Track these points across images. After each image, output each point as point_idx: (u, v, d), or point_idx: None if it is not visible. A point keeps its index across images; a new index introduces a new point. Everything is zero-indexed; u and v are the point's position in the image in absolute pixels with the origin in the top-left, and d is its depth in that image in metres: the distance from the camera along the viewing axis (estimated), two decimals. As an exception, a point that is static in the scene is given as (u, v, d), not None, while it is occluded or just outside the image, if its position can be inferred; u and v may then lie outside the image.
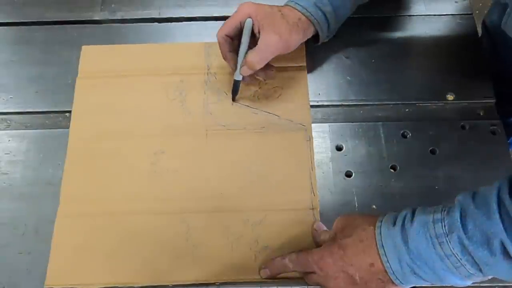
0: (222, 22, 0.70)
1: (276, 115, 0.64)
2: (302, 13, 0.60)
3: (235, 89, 0.64)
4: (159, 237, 0.57)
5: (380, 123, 0.64)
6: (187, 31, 0.72)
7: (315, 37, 0.64)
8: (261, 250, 0.56)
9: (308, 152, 0.62)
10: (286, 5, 0.62)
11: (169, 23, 0.73)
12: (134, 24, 0.73)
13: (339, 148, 0.63)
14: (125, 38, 0.71)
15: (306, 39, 0.63)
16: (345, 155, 0.63)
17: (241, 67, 0.60)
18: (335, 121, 0.65)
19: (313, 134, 0.63)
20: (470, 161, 0.61)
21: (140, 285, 0.55)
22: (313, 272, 0.52)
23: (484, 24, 0.80)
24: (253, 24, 0.59)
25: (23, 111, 0.66)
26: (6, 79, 0.68)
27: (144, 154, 0.62)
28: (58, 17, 0.73)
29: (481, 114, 0.65)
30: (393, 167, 0.62)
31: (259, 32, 0.59)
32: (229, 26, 0.60)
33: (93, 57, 0.69)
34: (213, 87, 0.66)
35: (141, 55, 0.69)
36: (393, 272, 0.47)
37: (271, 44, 0.59)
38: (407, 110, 0.66)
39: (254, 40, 0.60)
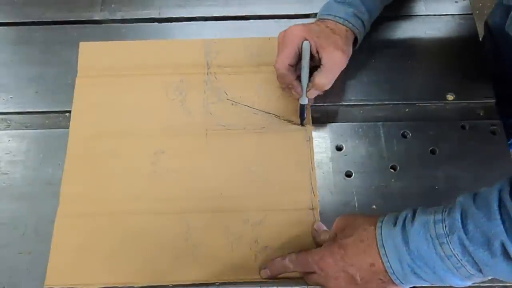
0: (222, 22, 0.71)
1: (276, 115, 0.64)
2: (345, 26, 0.61)
3: (302, 113, 0.62)
4: (159, 237, 0.57)
5: (380, 123, 0.64)
6: (187, 31, 0.72)
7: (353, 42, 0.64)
8: (261, 250, 0.56)
9: (308, 152, 0.62)
10: (322, 19, 0.62)
11: (169, 23, 0.73)
12: (134, 24, 0.73)
13: (339, 148, 0.63)
14: (125, 38, 0.71)
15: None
16: (345, 155, 0.63)
17: (308, 90, 0.59)
18: (335, 121, 0.65)
19: (313, 134, 0.63)
20: (470, 161, 0.61)
21: (140, 285, 0.55)
22: (314, 272, 0.52)
23: (486, 25, 0.80)
24: (311, 46, 0.59)
25: (23, 111, 0.66)
26: (6, 79, 0.68)
27: (144, 154, 0.62)
28: (58, 17, 0.73)
29: (481, 114, 0.65)
30: (393, 167, 0.62)
31: (317, 52, 0.59)
32: (289, 54, 0.59)
33: (92, 53, 0.69)
34: (213, 87, 0.66)
35: (140, 52, 0.69)
36: (393, 272, 0.47)
37: (338, 61, 0.59)
38: (407, 110, 0.66)
39: (312, 61, 0.60)
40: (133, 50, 0.69)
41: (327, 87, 0.60)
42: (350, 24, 0.61)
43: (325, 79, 0.59)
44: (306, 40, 0.59)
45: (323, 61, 0.59)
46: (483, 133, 0.63)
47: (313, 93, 0.60)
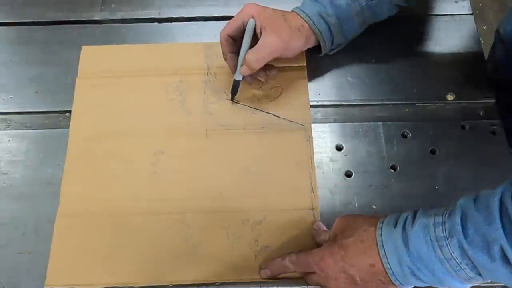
0: (222, 22, 0.71)
1: (276, 115, 0.64)
2: (305, 21, 0.61)
3: (234, 89, 0.64)
4: (159, 237, 0.57)
5: (380, 123, 0.64)
6: (187, 31, 0.72)
7: (319, 47, 0.64)
8: (261, 250, 0.56)
9: (308, 152, 0.62)
10: (292, 11, 0.63)
11: (169, 23, 0.73)
12: (134, 24, 0.73)
13: (339, 148, 0.63)
14: (125, 38, 0.71)
15: (308, 47, 0.63)
16: (345, 155, 0.63)
17: (240, 66, 0.60)
18: (335, 121, 0.65)
19: (313, 134, 0.63)
20: (470, 161, 0.61)
21: (140, 285, 0.55)
22: (314, 273, 0.52)
23: (497, 33, 0.78)
24: (255, 25, 0.59)
25: (23, 111, 0.66)
26: (6, 79, 0.68)
27: (144, 154, 0.62)
28: (58, 17, 0.73)
29: (481, 114, 0.65)
30: (393, 167, 0.62)
31: (260, 33, 0.59)
32: (232, 26, 0.60)
33: (93, 57, 0.69)
34: (213, 87, 0.66)
35: (141, 56, 0.69)
36: (393, 273, 0.47)
37: (270, 45, 0.59)
38: (407, 110, 0.66)
39: (256, 41, 0.60)
40: (134, 54, 0.69)
41: (256, 66, 0.60)
42: (311, 21, 0.61)
43: (252, 56, 0.59)
44: (253, 18, 0.59)
45: (259, 42, 0.59)
46: (483, 133, 0.63)
47: (245, 70, 0.60)
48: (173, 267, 0.56)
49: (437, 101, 0.66)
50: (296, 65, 0.67)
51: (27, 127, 0.65)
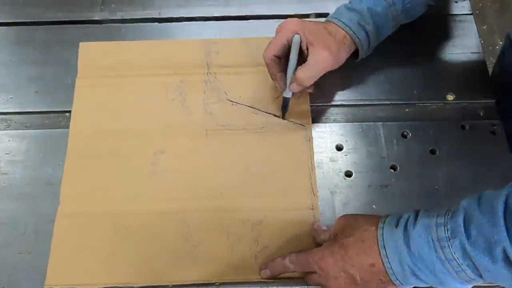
0: (222, 22, 0.71)
1: (276, 115, 0.64)
2: (345, 31, 0.60)
3: (284, 106, 0.62)
4: (159, 237, 0.57)
5: (380, 123, 0.64)
6: (187, 31, 0.72)
7: (354, 53, 0.63)
8: (261, 250, 0.56)
9: (308, 152, 0.62)
10: (328, 21, 0.62)
11: (169, 23, 0.73)
12: (134, 24, 0.73)
13: (339, 148, 0.63)
14: (125, 38, 0.71)
15: (349, 55, 0.62)
16: (345, 155, 0.63)
17: (290, 84, 0.59)
18: (335, 121, 0.65)
19: (313, 134, 0.63)
20: (470, 161, 0.61)
21: (140, 285, 0.55)
22: (314, 272, 0.52)
23: (508, 38, 0.77)
24: (300, 41, 0.58)
25: (23, 111, 0.66)
26: (6, 79, 0.68)
27: (144, 154, 0.62)
28: (58, 17, 0.73)
29: (481, 114, 0.65)
30: (393, 167, 0.62)
31: (307, 49, 0.58)
32: (277, 45, 0.59)
33: (91, 53, 0.69)
34: (213, 87, 0.66)
35: (140, 52, 0.69)
36: (393, 273, 0.47)
37: (322, 60, 0.58)
38: (407, 110, 0.66)
39: (301, 57, 0.59)
40: (133, 50, 0.69)
41: (308, 83, 0.59)
42: (351, 31, 0.60)
43: (304, 74, 0.58)
44: (297, 34, 0.58)
45: (308, 57, 0.58)
46: (483, 133, 0.63)
47: (294, 87, 0.59)
48: (173, 267, 0.56)
49: (437, 101, 0.66)
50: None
51: (27, 127, 0.65)
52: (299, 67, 0.58)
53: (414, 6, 0.63)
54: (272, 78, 0.62)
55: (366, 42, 0.62)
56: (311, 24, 0.60)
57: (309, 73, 0.58)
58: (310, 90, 0.63)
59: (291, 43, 0.59)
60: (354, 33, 0.60)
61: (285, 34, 0.59)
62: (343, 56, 0.61)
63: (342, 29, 0.60)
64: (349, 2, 0.63)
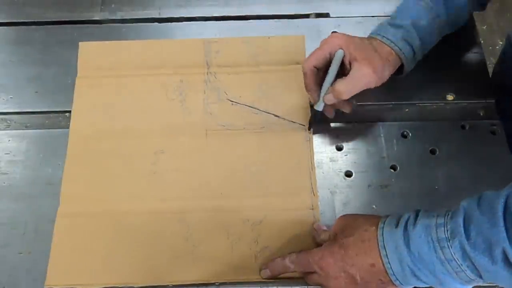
0: (222, 22, 0.71)
1: (276, 115, 0.64)
2: (391, 47, 0.59)
3: (314, 119, 0.62)
4: (159, 237, 0.57)
5: (380, 123, 0.64)
6: (187, 31, 0.72)
7: (399, 69, 0.62)
8: (261, 250, 0.56)
9: (308, 152, 0.62)
10: (371, 37, 0.61)
11: (169, 23, 0.73)
12: (134, 24, 0.73)
13: (339, 148, 0.63)
14: (125, 38, 0.71)
15: (393, 72, 0.61)
16: (345, 155, 0.63)
17: (325, 94, 0.58)
18: (335, 121, 0.65)
19: (313, 134, 0.63)
20: (470, 161, 0.61)
21: (140, 285, 0.55)
22: (314, 272, 0.52)
23: (509, 38, 0.77)
24: (344, 56, 0.58)
25: (23, 111, 0.66)
26: (6, 79, 0.68)
27: (144, 154, 0.62)
28: (58, 17, 0.73)
29: (481, 114, 0.65)
30: (393, 167, 0.62)
31: (349, 64, 0.58)
32: (319, 57, 0.58)
33: (91, 53, 0.69)
34: (213, 87, 0.66)
35: (140, 52, 0.69)
36: (393, 273, 0.47)
37: (364, 76, 0.57)
38: (407, 110, 0.66)
39: (341, 73, 0.59)
40: (133, 50, 0.69)
41: (345, 97, 0.58)
42: (397, 47, 0.59)
43: (343, 86, 0.57)
44: (342, 49, 0.58)
45: (351, 72, 0.57)
46: (483, 133, 0.63)
47: (330, 98, 0.58)
48: (173, 267, 0.56)
49: (437, 101, 0.66)
50: (296, 65, 0.67)
51: (27, 127, 0.65)
52: (339, 79, 0.58)
53: (458, 15, 0.62)
54: (306, 89, 0.61)
55: (412, 58, 0.61)
56: (356, 39, 0.59)
57: (348, 87, 0.57)
58: (347, 111, 0.62)
59: (333, 57, 0.58)
60: (400, 49, 0.59)
61: (329, 47, 0.58)
62: (387, 74, 0.59)
63: (388, 45, 0.59)
64: (391, 18, 0.62)
